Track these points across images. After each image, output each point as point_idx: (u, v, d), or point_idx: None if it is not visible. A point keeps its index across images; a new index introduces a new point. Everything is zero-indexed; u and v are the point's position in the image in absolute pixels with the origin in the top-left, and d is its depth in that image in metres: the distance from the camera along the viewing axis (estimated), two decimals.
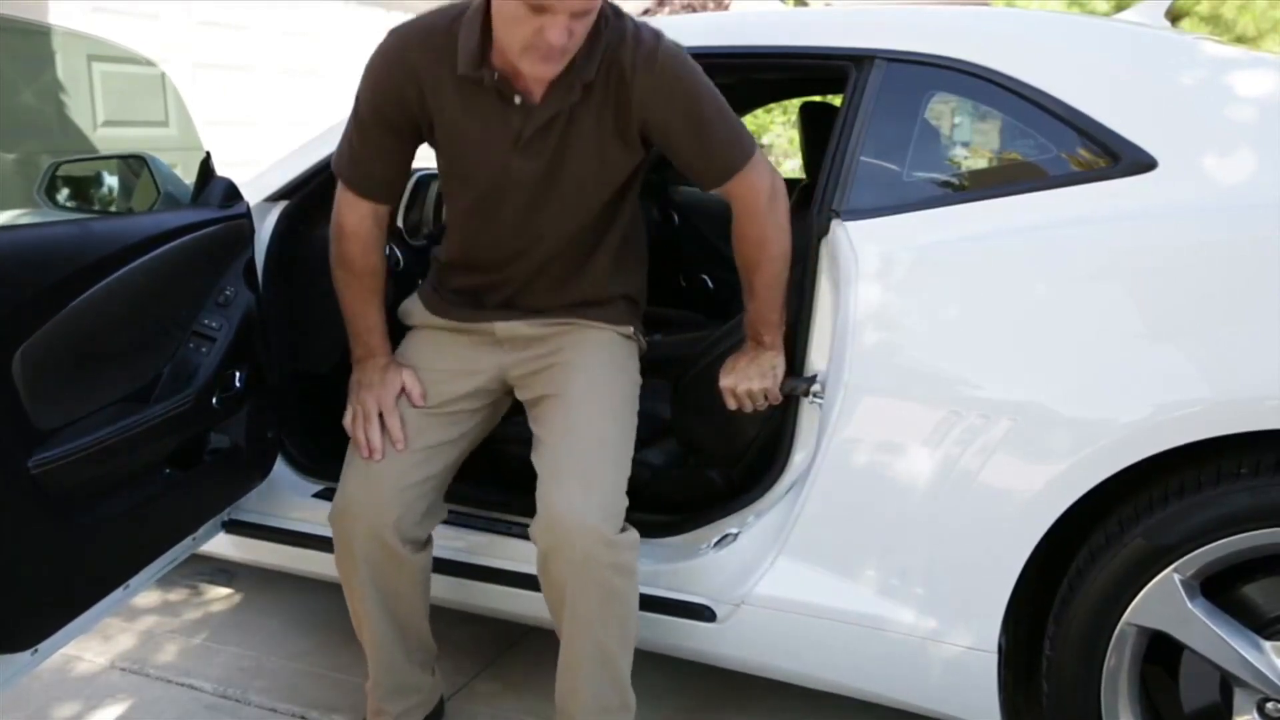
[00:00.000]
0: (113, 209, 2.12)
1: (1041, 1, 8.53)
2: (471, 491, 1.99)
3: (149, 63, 5.27)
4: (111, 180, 2.14)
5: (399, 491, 1.72)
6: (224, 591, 2.57)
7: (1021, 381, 1.59)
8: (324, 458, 2.15)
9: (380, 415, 1.74)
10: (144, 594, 2.41)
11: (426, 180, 2.37)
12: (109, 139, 4.96)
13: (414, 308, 1.88)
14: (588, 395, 1.72)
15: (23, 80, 4.47)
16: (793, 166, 10.08)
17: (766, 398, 1.76)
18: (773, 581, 1.77)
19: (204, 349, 1.82)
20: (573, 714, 1.72)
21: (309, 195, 2.19)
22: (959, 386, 1.62)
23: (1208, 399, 1.49)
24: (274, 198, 2.18)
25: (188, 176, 1.97)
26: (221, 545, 2.20)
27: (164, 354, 1.78)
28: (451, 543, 1.94)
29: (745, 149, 1.68)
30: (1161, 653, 1.59)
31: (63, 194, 1.96)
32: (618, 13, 1.63)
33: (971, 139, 1.96)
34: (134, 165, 2.00)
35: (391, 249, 2.25)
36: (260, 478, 2.04)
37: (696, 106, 1.62)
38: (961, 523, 1.63)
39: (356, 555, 1.75)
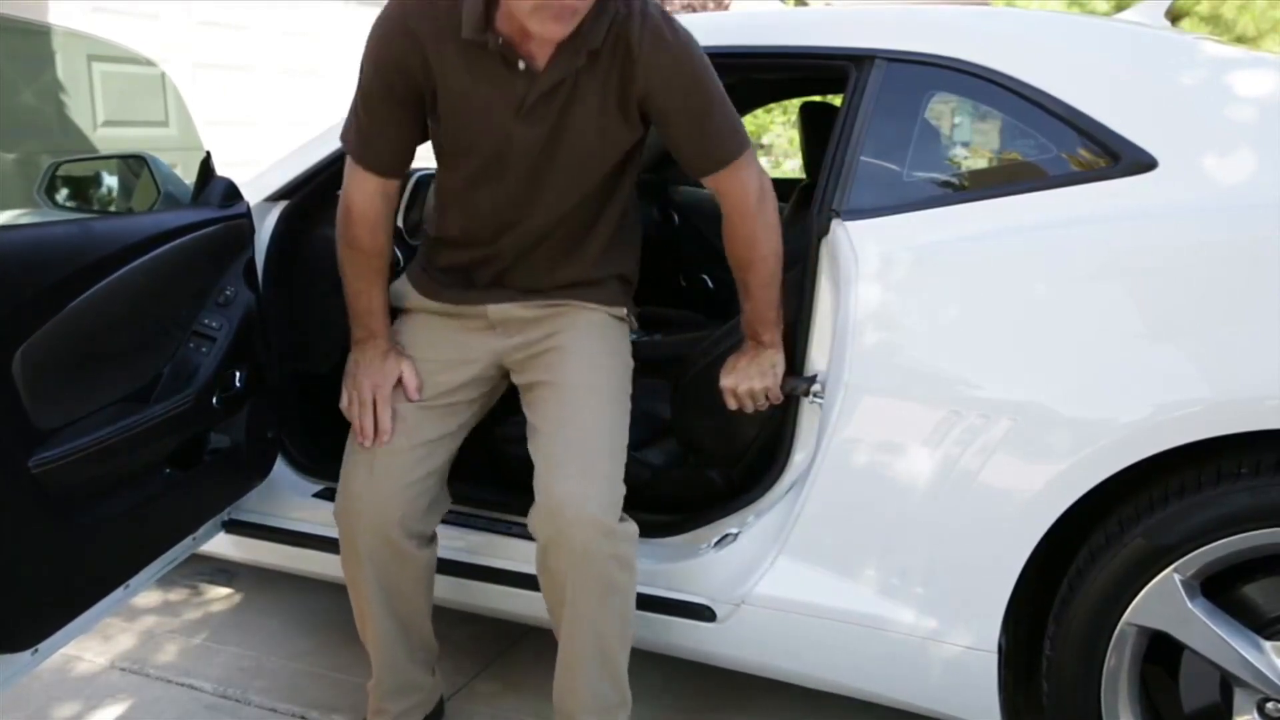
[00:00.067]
0: (113, 209, 2.12)
1: (1041, 1, 8.53)
2: (471, 491, 1.99)
3: (149, 63, 5.27)
4: (111, 180, 2.14)
5: (403, 489, 1.72)
6: (224, 591, 2.57)
7: (1021, 381, 1.59)
8: (324, 458, 2.15)
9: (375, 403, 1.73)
10: (144, 594, 2.41)
11: (426, 180, 2.37)
12: (109, 139, 4.96)
13: (404, 289, 1.86)
14: (584, 383, 1.71)
15: (23, 80, 4.47)
16: (793, 166, 10.08)
17: (768, 397, 1.76)
18: (773, 581, 1.77)
19: (204, 349, 1.82)
20: (572, 712, 1.72)
21: (309, 195, 2.19)
22: (959, 386, 1.62)
23: (1208, 399, 1.49)
24: (274, 198, 2.18)
25: (188, 176, 1.97)
26: (221, 545, 2.20)
27: (164, 354, 1.78)
28: (452, 543, 1.94)
29: (741, 142, 1.68)
30: (1161, 653, 1.59)
31: (63, 194, 1.96)
32: None
33: (971, 139, 1.96)
34: (134, 165, 2.00)
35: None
36: (260, 478, 2.04)
37: (699, 90, 1.62)
38: (962, 522, 1.63)
39: (361, 554, 1.75)
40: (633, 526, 1.67)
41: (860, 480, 1.69)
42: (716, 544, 1.85)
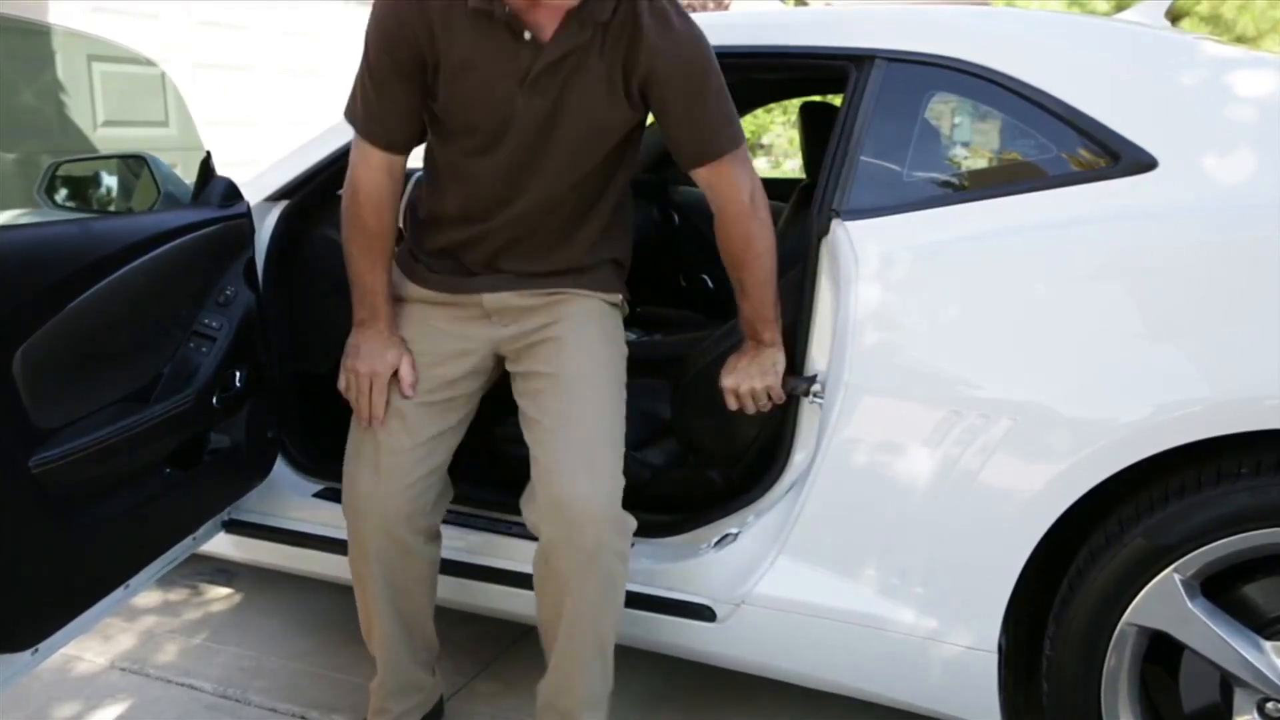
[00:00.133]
0: (113, 209, 2.12)
1: (1041, 1, 8.53)
2: (471, 491, 1.99)
3: (149, 63, 5.27)
4: (111, 180, 2.14)
5: (408, 486, 1.72)
6: (224, 591, 2.57)
7: (1021, 381, 1.59)
8: (324, 458, 2.16)
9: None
10: (144, 594, 2.41)
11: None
12: (109, 139, 4.96)
13: (398, 279, 1.83)
14: (583, 375, 1.70)
15: (23, 80, 4.47)
16: (793, 166, 10.09)
17: (770, 396, 1.76)
18: (773, 581, 1.77)
19: (204, 349, 1.82)
20: (570, 710, 1.72)
21: (309, 195, 2.19)
22: (959, 386, 1.62)
23: (1208, 399, 1.49)
24: (274, 198, 2.18)
25: (188, 176, 1.97)
26: (221, 545, 2.20)
27: (164, 354, 1.78)
28: (452, 543, 1.94)
29: (735, 137, 1.67)
30: (1161, 653, 1.59)
31: (63, 194, 1.96)
32: None
33: (971, 139, 1.96)
34: (134, 165, 2.00)
35: None
36: (260, 478, 2.04)
37: (700, 77, 1.62)
38: (962, 522, 1.63)
39: (369, 553, 1.75)
40: (632, 520, 1.67)
41: (860, 480, 1.69)
42: (716, 544, 1.85)
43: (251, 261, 1.95)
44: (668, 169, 3.35)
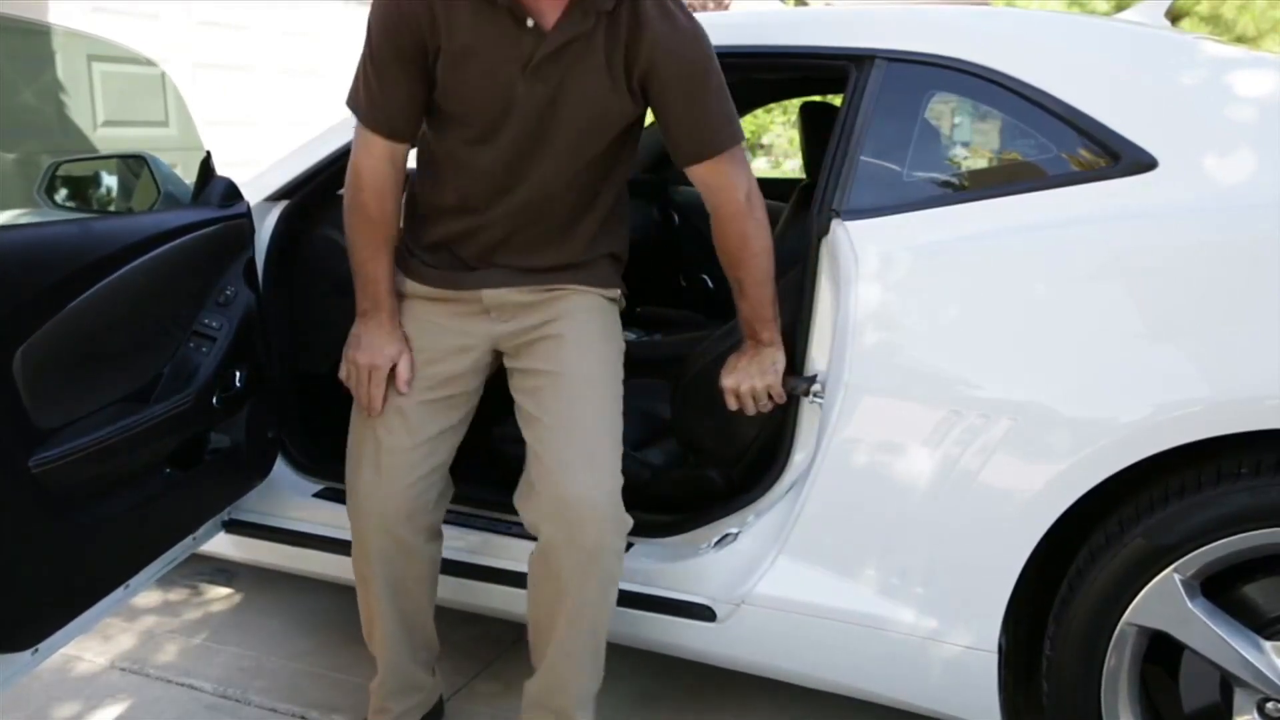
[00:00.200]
0: (113, 209, 2.12)
1: (1041, 1, 8.53)
2: (471, 491, 2.00)
3: (149, 63, 5.27)
4: (111, 180, 2.14)
5: (409, 485, 1.72)
6: (224, 591, 2.57)
7: (1021, 381, 1.59)
8: (324, 458, 2.16)
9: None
10: (144, 594, 2.41)
11: None
12: (109, 139, 4.96)
13: (396, 276, 1.80)
14: (585, 374, 1.70)
15: (23, 80, 4.47)
16: (793, 166, 10.09)
17: (770, 396, 1.75)
18: (773, 581, 1.77)
19: (204, 349, 1.82)
20: (564, 708, 1.72)
21: (309, 195, 2.19)
22: (959, 386, 1.62)
23: (1208, 399, 1.49)
24: (274, 198, 2.18)
25: (188, 176, 1.97)
26: (221, 545, 2.20)
27: (164, 354, 1.78)
28: (452, 543, 1.94)
29: (734, 135, 1.67)
30: (1161, 653, 1.59)
31: (63, 194, 1.96)
32: None
33: (971, 139, 1.96)
34: (134, 165, 2.00)
35: None
36: (260, 478, 2.04)
37: (700, 75, 1.62)
38: (962, 522, 1.63)
39: (371, 553, 1.75)
40: (629, 518, 1.68)
41: (860, 480, 1.69)
42: (716, 544, 1.85)
43: (251, 261, 1.95)
44: (668, 169, 3.36)
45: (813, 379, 1.74)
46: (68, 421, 1.56)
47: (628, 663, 2.15)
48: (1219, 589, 1.54)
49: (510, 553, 1.96)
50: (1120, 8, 6.36)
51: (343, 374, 1.76)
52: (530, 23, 1.57)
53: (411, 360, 1.74)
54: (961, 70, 1.75)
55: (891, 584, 1.70)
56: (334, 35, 7.33)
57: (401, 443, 1.72)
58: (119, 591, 1.73)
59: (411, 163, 1.77)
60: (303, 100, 7.08)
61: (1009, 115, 1.74)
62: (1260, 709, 1.51)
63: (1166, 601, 1.53)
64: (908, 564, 1.68)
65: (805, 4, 8.58)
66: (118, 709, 2.07)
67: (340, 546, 2.05)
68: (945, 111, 1.92)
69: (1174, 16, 2.68)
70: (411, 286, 1.79)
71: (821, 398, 1.72)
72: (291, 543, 2.14)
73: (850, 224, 1.73)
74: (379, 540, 1.74)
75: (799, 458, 1.77)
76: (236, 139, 5.89)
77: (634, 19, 1.59)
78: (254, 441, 1.95)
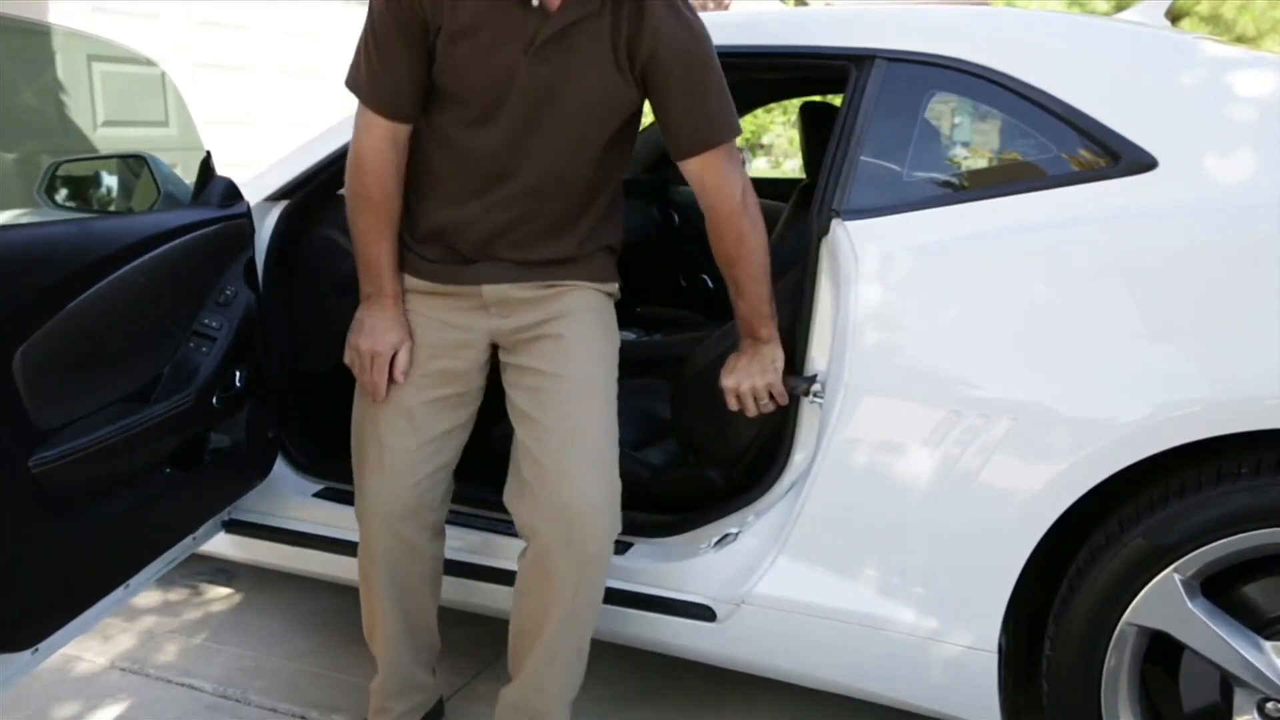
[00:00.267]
0: (113, 209, 2.12)
1: (1041, 1, 8.53)
2: (471, 491, 1.99)
3: (149, 63, 5.27)
4: (111, 180, 2.14)
5: (414, 485, 1.73)
6: (224, 591, 2.57)
7: (1021, 381, 1.59)
8: (324, 458, 2.16)
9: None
10: (144, 594, 2.41)
11: None
12: (109, 139, 4.96)
13: None
14: (586, 378, 1.70)
15: (23, 80, 4.47)
16: (793, 166, 10.09)
17: (771, 395, 1.75)
18: (773, 581, 1.77)
19: (204, 348, 1.82)
20: (542, 710, 1.72)
21: (309, 195, 2.18)
22: (959, 386, 1.62)
23: (1208, 399, 1.49)
24: (274, 198, 2.18)
25: (188, 176, 1.97)
26: (221, 545, 2.20)
27: (164, 353, 1.78)
28: (452, 542, 1.94)
29: (731, 129, 1.67)
30: (1161, 653, 1.59)
31: (63, 194, 1.96)
32: None
33: (971, 139, 1.97)
34: (134, 165, 2.01)
35: None
36: (260, 478, 2.04)
37: (701, 66, 1.62)
38: (962, 522, 1.63)
39: (376, 552, 1.75)
40: (620, 522, 1.68)
41: (860, 480, 1.69)
42: (716, 544, 1.85)
43: (251, 261, 1.95)
44: (667, 169, 3.35)
45: (813, 379, 1.74)
46: (68, 421, 1.56)
47: (628, 663, 2.15)
48: (1219, 589, 1.54)
49: (510, 553, 1.95)
50: (1120, 8, 6.36)
51: (347, 359, 1.76)
52: (535, 2, 1.56)
53: (413, 350, 1.74)
54: (961, 70, 1.75)
55: (891, 584, 1.70)
56: (334, 35, 7.33)
57: (406, 443, 1.72)
58: (119, 591, 1.73)
59: None
60: (303, 100, 7.08)
61: (1009, 115, 1.74)
62: (1260, 709, 1.51)
63: (1166, 601, 1.53)
64: (908, 564, 1.68)
65: (805, 4, 8.58)
66: (118, 709, 2.07)
67: (340, 546, 2.05)
68: (945, 111, 1.92)
69: (1174, 16, 2.68)
70: (410, 282, 1.77)
71: (821, 398, 1.72)
72: (291, 543, 2.14)
73: (850, 224, 1.73)
74: (384, 541, 1.74)
75: (799, 458, 1.77)
76: (236, 139, 5.88)
77: (638, 6, 1.59)
78: (254, 441, 1.95)
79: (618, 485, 1.67)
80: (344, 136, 1.95)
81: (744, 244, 1.70)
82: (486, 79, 1.61)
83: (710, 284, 3.40)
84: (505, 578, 1.95)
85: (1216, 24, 8.09)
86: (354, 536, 1.82)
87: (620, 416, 1.75)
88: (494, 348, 1.80)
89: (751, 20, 2.02)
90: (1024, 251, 1.62)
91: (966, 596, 1.65)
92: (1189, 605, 1.51)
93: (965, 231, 1.66)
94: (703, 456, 2.01)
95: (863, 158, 1.77)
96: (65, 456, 1.52)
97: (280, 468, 2.12)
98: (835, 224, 1.74)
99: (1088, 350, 1.55)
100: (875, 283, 1.68)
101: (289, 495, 2.14)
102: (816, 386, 1.73)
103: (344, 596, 1.84)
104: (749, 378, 1.75)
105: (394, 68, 1.63)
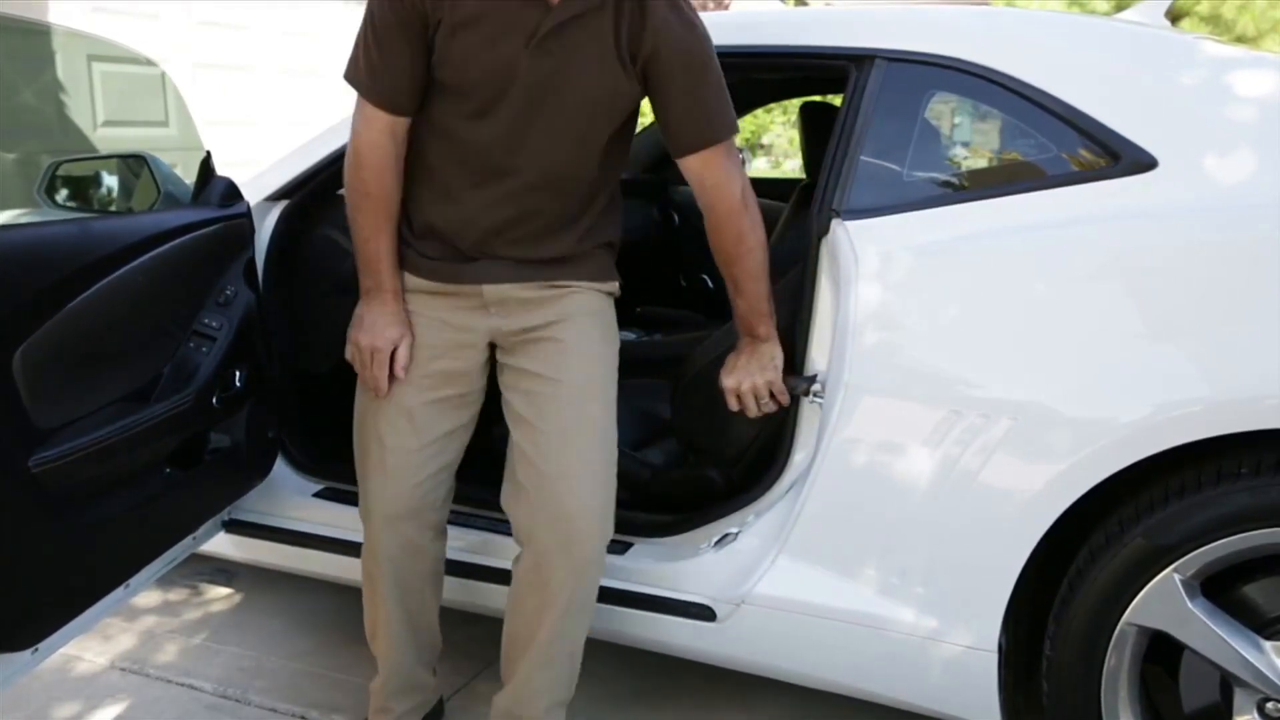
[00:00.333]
0: (113, 209, 2.12)
1: (1041, 1, 8.53)
2: (471, 491, 1.99)
3: (149, 63, 5.27)
4: (111, 180, 2.15)
5: (417, 485, 1.73)
6: (224, 591, 2.57)
7: (1021, 381, 1.59)
8: (324, 458, 2.16)
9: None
10: (144, 594, 2.41)
11: None
12: (109, 139, 4.96)
13: None
14: (585, 383, 1.70)
15: (23, 80, 4.47)
16: (793, 166, 10.09)
17: (772, 394, 1.75)
18: (773, 581, 1.77)
19: (204, 348, 1.82)
20: (536, 714, 1.72)
21: (309, 195, 2.18)
22: (959, 386, 1.62)
23: (1208, 399, 1.49)
24: (274, 197, 2.18)
25: (188, 176, 1.97)
26: (221, 545, 2.20)
27: (164, 353, 1.78)
28: (452, 542, 1.94)
29: (730, 127, 1.67)
30: (1161, 653, 1.59)
31: (63, 194, 1.97)
32: None
33: (971, 139, 1.97)
34: (134, 165, 2.01)
35: None
36: (260, 477, 2.04)
37: (702, 65, 1.62)
38: (961, 522, 1.63)
39: (380, 552, 1.76)
40: (612, 528, 1.69)
41: (860, 480, 1.69)
42: (716, 544, 1.85)
43: (251, 261, 1.95)
44: (668, 169, 3.35)
45: (813, 379, 1.74)
46: (68, 421, 1.56)
47: (627, 662, 2.15)
48: (1219, 589, 1.54)
49: (510, 553, 1.95)
50: (1120, 8, 6.36)
51: (348, 354, 1.76)
52: None
53: (412, 346, 1.73)
54: (961, 70, 1.75)
55: (891, 584, 1.70)
56: (334, 35, 7.33)
57: (408, 444, 1.72)
58: (119, 591, 1.73)
59: None
60: (303, 100, 7.08)
61: (1009, 115, 1.74)
62: (1260, 709, 1.51)
63: (1166, 601, 1.53)
64: (908, 564, 1.68)
65: (805, 4, 8.58)
66: (118, 709, 2.07)
67: (340, 546, 2.05)
68: (945, 111, 1.92)
69: (1174, 16, 2.69)
70: (410, 281, 1.76)
71: (821, 397, 1.72)
72: (291, 543, 2.14)
73: (850, 224, 1.73)
74: (387, 542, 1.75)
75: (799, 457, 1.77)
76: (236, 139, 5.89)
77: (640, 4, 1.59)
78: (254, 441, 1.95)
79: (613, 492, 1.67)
80: (343, 136, 1.95)
81: (743, 242, 1.70)
82: (487, 72, 1.60)
83: (710, 284, 3.40)
84: (506, 578, 1.94)
85: (1216, 24, 8.09)
86: (354, 536, 1.83)
87: (620, 417, 1.75)
88: (492, 348, 1.80)
89: (751, 20, 2.02)
90: (1024, 251, 1.62)
91: (966, 596, 1.65)
92: (1189, 605, 1.51)
93: (965, 231, 1.66)
94: (703, 456, 2.01)
95: (863, 158, 1.77)
96: (65, 456, 1.52)
97: (280, 468, 2.12)
98: (835, 224, 1.74)
99: (1088, 350, 1.55)
100: (875, 283, 1.68)
101: (289, 495, 2.14)
102: (816, 386, 1.73)
103: (344, 596, 1.84)
104: (749, 376, 1.75)
105: (394, 61, 1.62)
